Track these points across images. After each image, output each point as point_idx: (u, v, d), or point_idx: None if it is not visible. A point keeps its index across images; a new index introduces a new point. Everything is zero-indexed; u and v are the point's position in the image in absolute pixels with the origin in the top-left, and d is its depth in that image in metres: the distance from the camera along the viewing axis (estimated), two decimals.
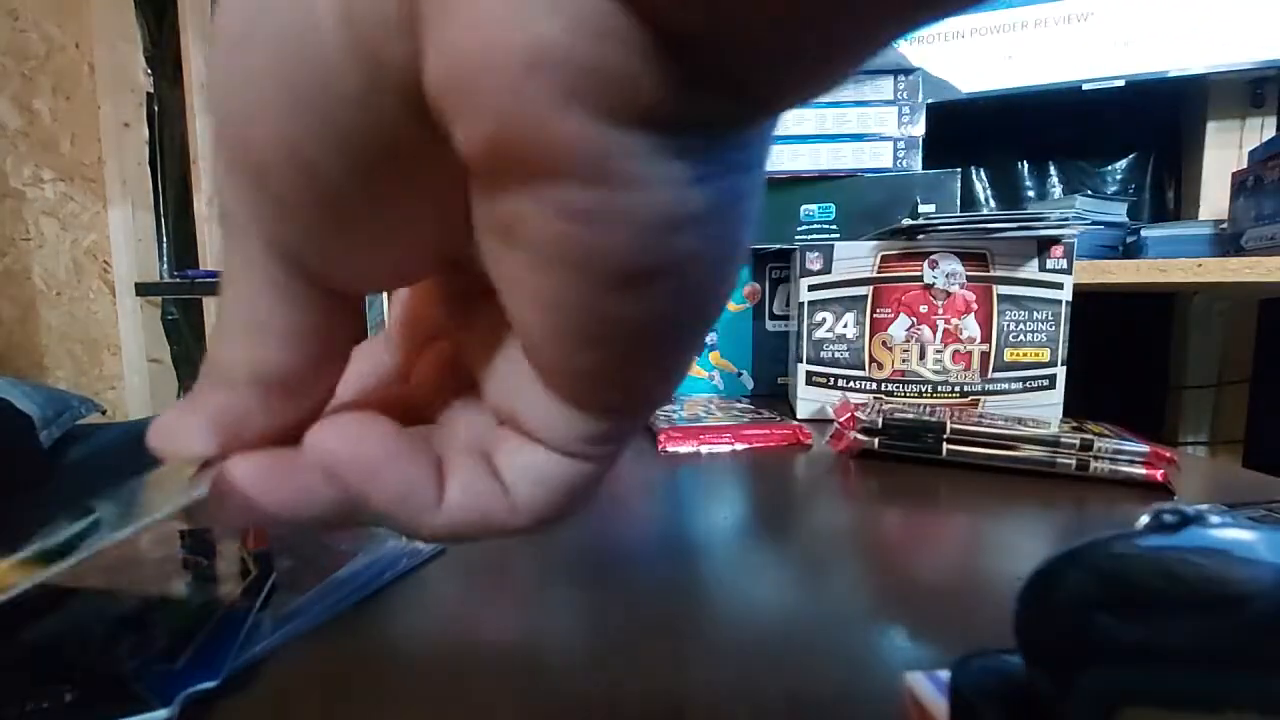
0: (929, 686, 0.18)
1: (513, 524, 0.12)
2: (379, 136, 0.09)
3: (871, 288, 0.65)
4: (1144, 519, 0.13)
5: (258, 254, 0.11)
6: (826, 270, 0.66)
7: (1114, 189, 1.40)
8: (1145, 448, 0.43)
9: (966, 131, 1.23)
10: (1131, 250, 1.13)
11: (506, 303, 0.11)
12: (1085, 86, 1.22)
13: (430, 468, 0.12)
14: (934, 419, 0.48)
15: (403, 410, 0.14)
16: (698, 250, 0.10)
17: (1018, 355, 0.64)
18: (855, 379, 0.66)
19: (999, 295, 0.63)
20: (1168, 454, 0.43)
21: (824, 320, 0.66)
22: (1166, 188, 1.40)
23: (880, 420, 0.49)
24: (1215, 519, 0.12)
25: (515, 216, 0.09)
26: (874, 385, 0.66)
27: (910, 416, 0.49)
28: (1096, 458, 0.44)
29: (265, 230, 0.11)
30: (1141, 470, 0.43)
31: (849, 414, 0.51)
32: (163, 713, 0.20)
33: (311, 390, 0.12)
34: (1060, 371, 0.63)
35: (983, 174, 1.46)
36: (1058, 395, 0.63)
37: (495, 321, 0.13)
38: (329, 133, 0.09)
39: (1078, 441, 0.44)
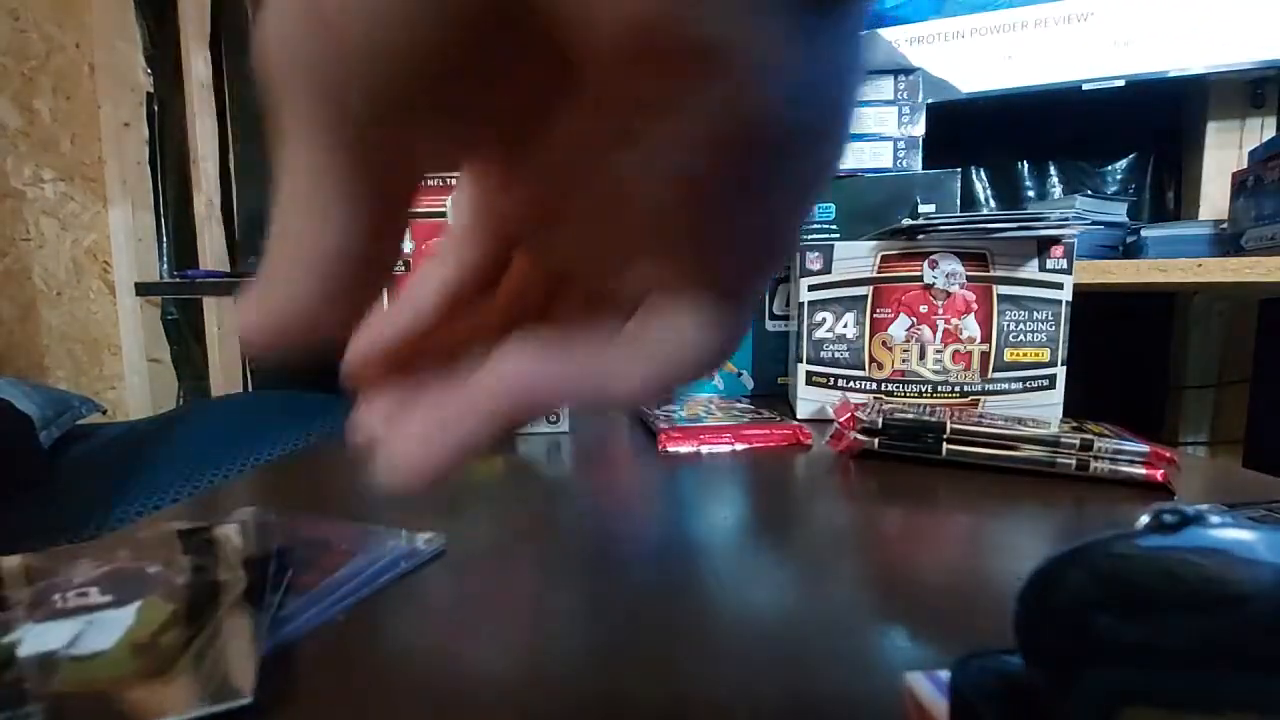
0: (929, 686, 0.18)
1: (691, 376, 0.13)
2: (477, 14, 0.09)
3: (871, 288, 0.65)
4: (1144, 519, 0.13)
5: (317, 138, 0.11)
6: (826, 270, 0.66)
7: (1114, 189, 1.40)
8: (1145, 448, 0.43)
9: (966, 131, 1.23)
10: (1131, 250, 1.13)
11: (624, 179, 0.11)
12: (1085, 86, 1.22)
13: (604, 359, 0.12)
14: (934, 419, 0.48)
15: (520, 313, 0.15)
16: (825, 111, 0.10)
17: (1018, 355, 0.64)
18: (855, 379, 0.66)
19: (999, 295, 0.63)
20: (1168, 454, 0.43)
21: (824, 320, 0.66)
22: (1166, 188, 1.40)
23: (880, 420, 0.49)
24: (1215, 519, 0.12)
25: (652, 103, 0.09)
26: (874, 385, 0.66)
27: (910, 417, 0.49)
28: (1096, 457, 0.44)
29: (325, 112, 0.10)
30: (1141, 470, 0.42)
31: (849, 414, 0.51)
32: None
33: (376, 270, 0.12)
34: (1060, 371, 0.63)
35: (983, 174, 1.46)
36: (1058, 395, 0.63)
37: (595, 194, 0.13)
38: (421, 10, 0.09)
39: (1078, 441, 0.44)
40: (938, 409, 0.53)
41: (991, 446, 0.46)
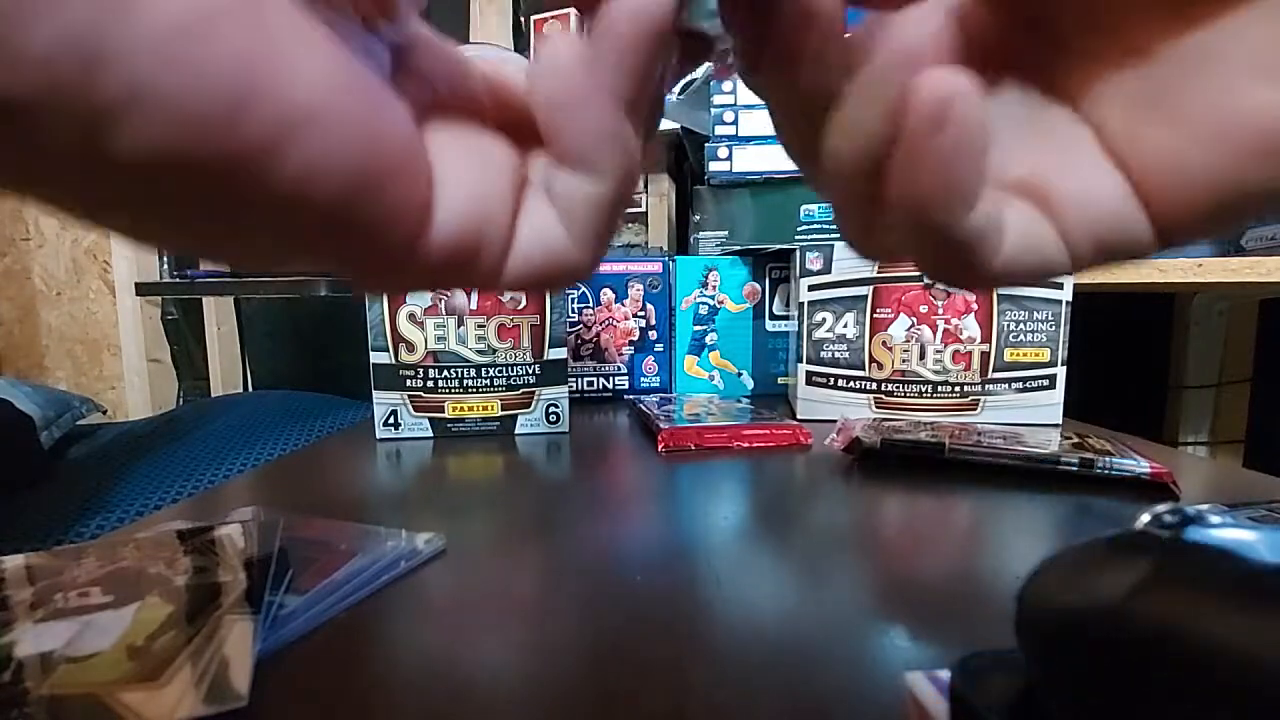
0: (929, 687, 0.18)
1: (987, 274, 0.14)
2: None
3: (871, 288, 0.65)
4: (1144, 519, 0.13)
5: None
6: (826, 270, 0.66)
7: None
8: (1146, 467, 0.42)
9: None
10: None
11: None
12: None
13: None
14: (934, 440, 0.48)
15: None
16: None
17: (1018, 355, 0.64)
18: (855, 379, 0.66)
19: (999, 295, 0.63)
20: (1166, 473, 0.42)
21: (824, 320, 0.66)
22: None
23: (879, 442, 0.49)
24: (1215, 519, 0.12)
25: None
26: (874, 385, 0.66)
27: (909, 438, 0.49)
28: (1097, 471, 0.44)
29: None
30: (1146, 469, 0.42)
31: (849, 440, 0.51)
32: None
33: None
34: (1060, 371, 0.63)
35: None
36: (1058, 395, 0.63)
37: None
38: None
39: (1077, 461, 0.44)
40: (937, 428, 0.53)
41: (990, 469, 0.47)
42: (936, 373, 0.65)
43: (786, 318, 0.82)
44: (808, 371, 0.67)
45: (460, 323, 0.60)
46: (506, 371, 0.61)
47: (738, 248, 0.84)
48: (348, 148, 0.11)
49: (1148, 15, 0.13)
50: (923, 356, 0.65)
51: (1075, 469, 0.44)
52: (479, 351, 0.61)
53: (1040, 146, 0.14)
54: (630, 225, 1.41)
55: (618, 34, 0.13)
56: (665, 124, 1.17)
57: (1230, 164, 0.12)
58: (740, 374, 0.83)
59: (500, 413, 0.62)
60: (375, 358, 0.59)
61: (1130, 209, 0.13)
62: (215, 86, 0.10)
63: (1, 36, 0.08)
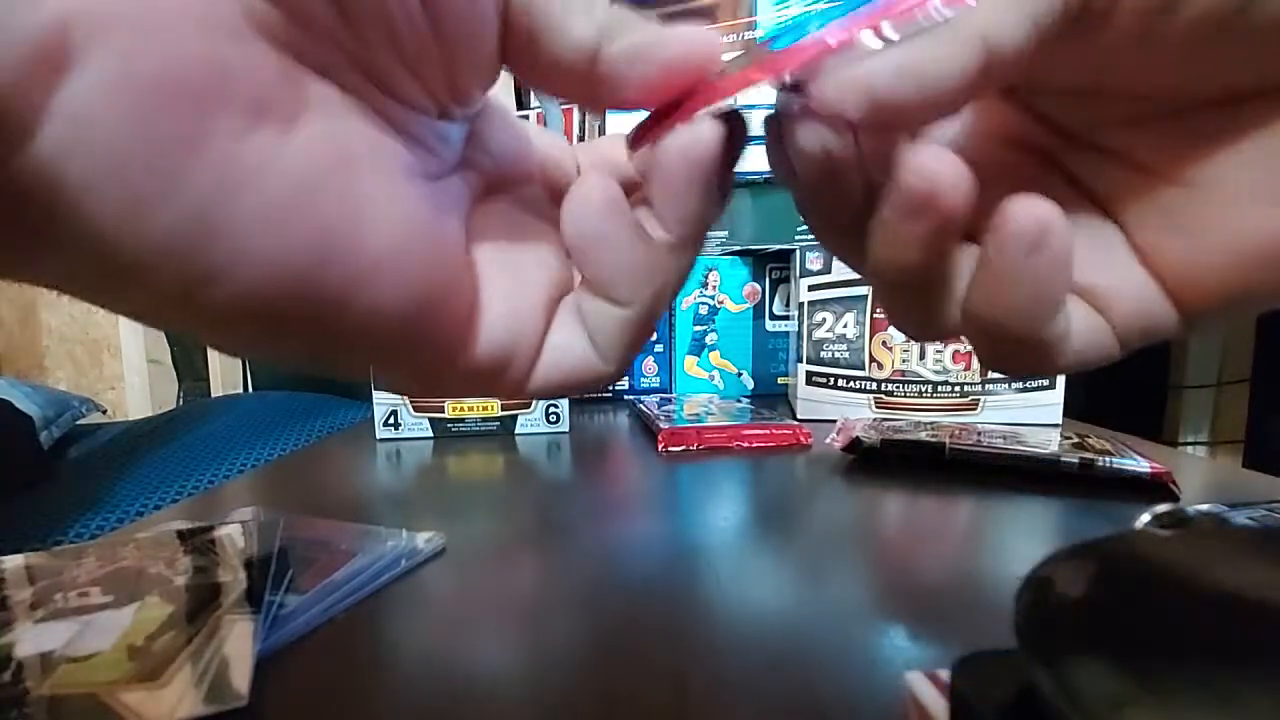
0: (929, 687, 0.18)
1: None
2: None
3: (872, 287, 0.65)
4: (1144, 518, 0.13)
5: None
6: (826, 270, 0.66)
7: None
8: (1146, 467, 0.42)
9: None
10: None
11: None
12: None
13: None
14: (934, 440, 0.48)
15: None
16: None
17: None
18: (855, 379, 0.66)
19: None
20: (1166, 473, 0.42)
21: (824, 320, 0.66)
22: None
23: (879, 442, 0.49)
24: (1215, 519, 0.12)
25: None
26: (874, 385, 0.66)
27: (909, 438, 0.49)
28: (1097, 477, 0.44)
29: None
30: (1146, 469, 0.42)
31: (850, 439, 0.51)
32: None
33: None
34: None
35: None
36: (1057, 395, 0.63)
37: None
38: None
39: (1077, 461, 0.44)
40: (937, 428, 0.53)
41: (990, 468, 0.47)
42: (937, 373, 0.65)
43: (786, 318, 0.82)
44: (808, 371, 0.67)
45: None
46: None
47: (738, 248, 0.84)
48: (409, 288, 0.13)
49: (1162, 150, 0.15)
50: (923, 356, 0.65)
51: (1075, 469, 0.44)
52: None
53: (1085, 248, 0.15)
54: None
55: (667, 183, 0.14)
56: None
57: (1238, 273, 0.14)
58: (740, 374, 0.83)
59: (500, 412, 0.62)
60: None
61: (1162, 304, 0.15)
62: (302, 252, 0.11)
63: (131, 213, 0.10)
